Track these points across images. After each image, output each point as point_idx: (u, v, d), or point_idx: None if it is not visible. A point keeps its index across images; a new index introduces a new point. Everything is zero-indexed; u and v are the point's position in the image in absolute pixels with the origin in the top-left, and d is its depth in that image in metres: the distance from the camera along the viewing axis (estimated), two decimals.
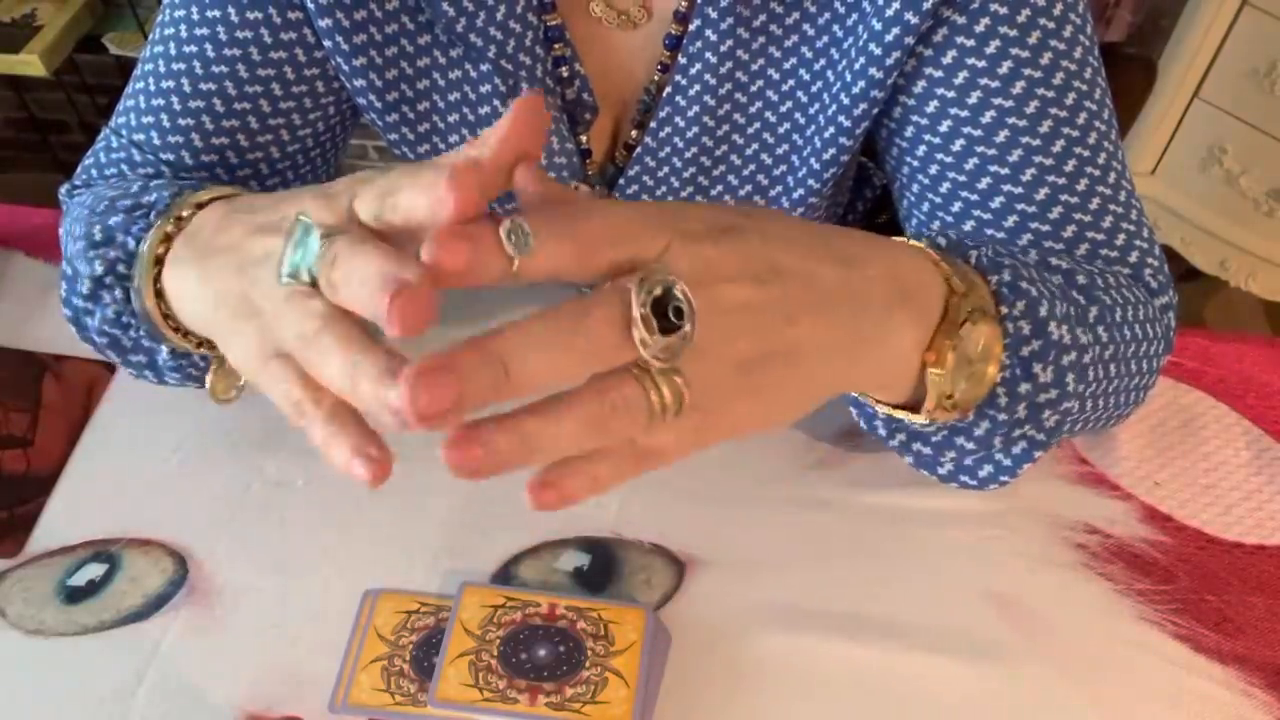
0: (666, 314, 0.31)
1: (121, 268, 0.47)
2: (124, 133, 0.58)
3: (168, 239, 0.44)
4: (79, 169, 0.61)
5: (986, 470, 0.50)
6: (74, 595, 0.55)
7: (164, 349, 0.49)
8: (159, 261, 0.44)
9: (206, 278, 0.40)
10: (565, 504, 0.32)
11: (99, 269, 0.47)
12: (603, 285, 0.32)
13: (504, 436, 0.30)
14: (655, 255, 0.32)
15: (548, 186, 0.34)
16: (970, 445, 0.46)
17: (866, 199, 0.85)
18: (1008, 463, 0.49)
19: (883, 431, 0.48)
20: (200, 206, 0.45)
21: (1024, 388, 0.43)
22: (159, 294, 0.45)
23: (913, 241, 0.43)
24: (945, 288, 0.40)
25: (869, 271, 0.37)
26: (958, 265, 0.42)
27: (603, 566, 0.56)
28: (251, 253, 0.38)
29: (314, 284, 0.34)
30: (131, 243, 0.47)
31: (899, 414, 0.44)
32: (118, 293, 0.47)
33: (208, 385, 0.48)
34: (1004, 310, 0.42)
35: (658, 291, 0.30)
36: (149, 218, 0.47)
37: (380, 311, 0.29)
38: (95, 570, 0.56)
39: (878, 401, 0.45)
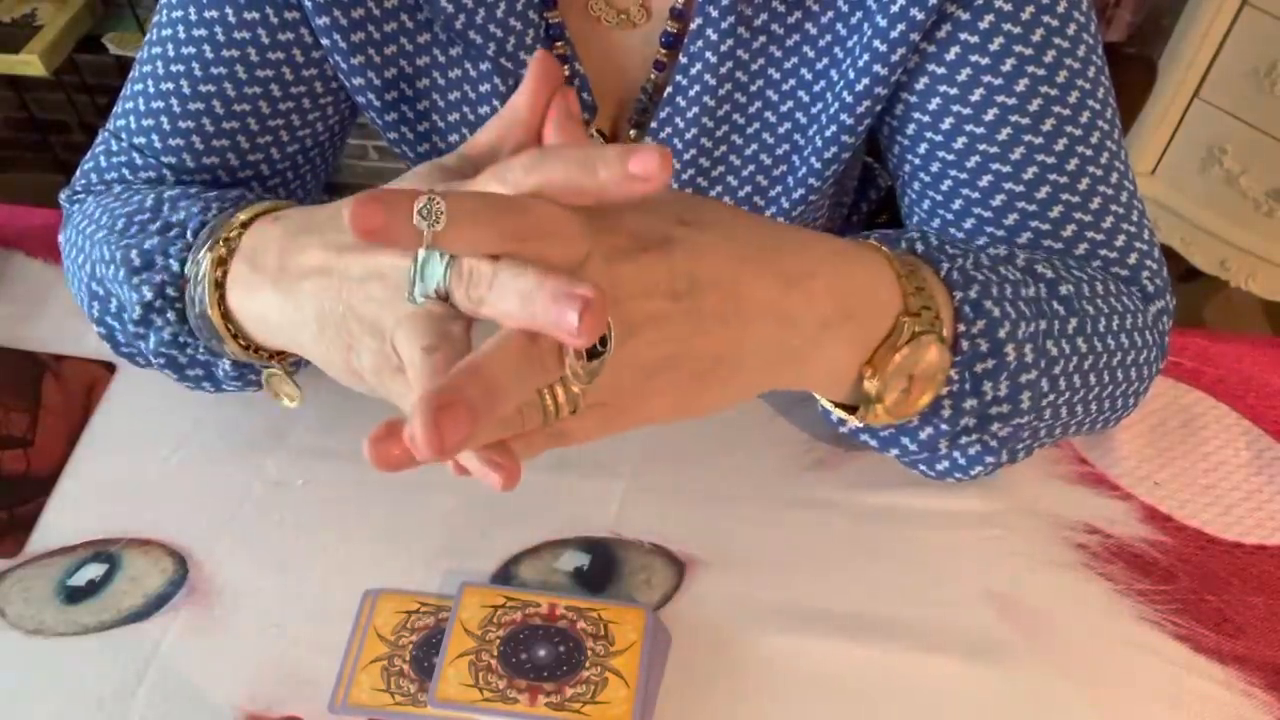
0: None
1: (170, 290, 0.48)
2: (124, 136, 0.58)
3: (222, 262, 0.45)
4: (78, 173, 0.61)
5: (943, 465, 0.52)
6: (74, 595, 0.55)
7: (225, 362, 0.49)
8: (218, 285, 0.45)
9: (299, 302, 0.41)
10: (506, 486, 0.34)
11: (148, 294, 0.47)
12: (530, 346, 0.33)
13: (418, 426, 0.30)
14: (568, 265, 0.33)
15: (571, 134, 0.36)
16: (913, 447, 0.48)
17: (871, 200, 0.85)
18: (962, 461, 0.51)
19: (833, 419, 0.50)
20: (244, 225, 0.46)
21: (969, 403, 0.45)
22: (224, 314, 0.46)
23: (884, 248, 0.44)
24: (900, 305, 0.42)
25: (813, 286, 0.38)
26: (922, 279, 0.43)
27: (603, 566, 0.55)
28: (349, 272, 0.38)
29: (445, 299, 0.35)
30: (175, 265, 0.47)
31: (839, 412, 0.47)
32: (170, 315, 0.48)
33: (274, 393, 0.49)
34: (962, 328, 0.43)
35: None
36: (185, 237, 0.48)
37: (565, 321, 0.30)
38: (95, 570, 0.56)
39: (823, 397, 0.48)
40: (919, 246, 0.45)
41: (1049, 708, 0.51)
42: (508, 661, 0.50)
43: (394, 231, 0.31)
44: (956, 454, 0.51)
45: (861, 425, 0.47)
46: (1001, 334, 0.44)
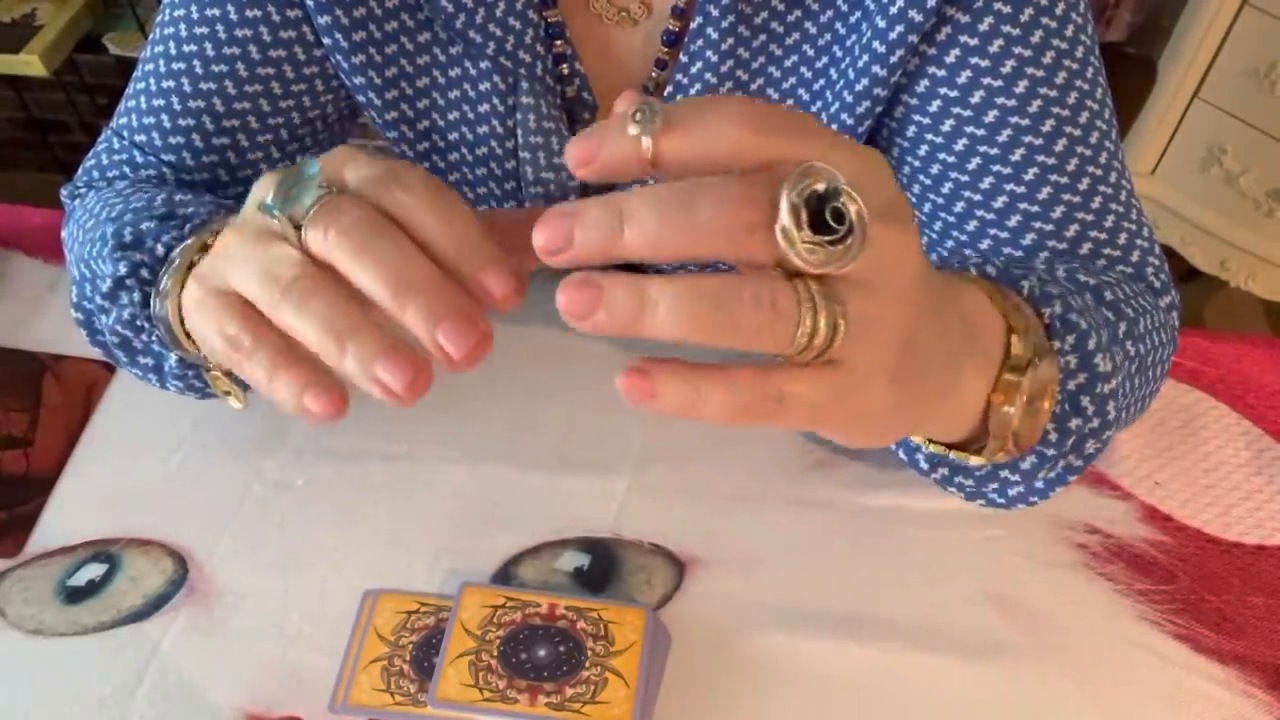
0: (823, 218, 0.26)
1: (145, 272, 0.47)
2: (125, 134, 0.58)
3: (205, 248, 0.44)
4: (80, 170, 0.61)
5: (1016, 490, 0.48)
6: (74, 595, 0.55)
7: (173, 356, 0.49)
8: (190, 268, 0.44)
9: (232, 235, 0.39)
10: (651, 402, 0.28)
11: (123, 269, 0.47)
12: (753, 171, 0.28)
13: (623, 290, 0.27)
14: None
15: None
16: (1015, 478, 0.45)
17: None
18: (1040, 486, 0.47)
19: (924, 466, 0.46)
20: None
21: (1074, 423, 0.42)
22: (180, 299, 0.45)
23: (964, 275, 0.41)
24: (1004, 324, 0.39)
25: (953, 316, 0.34)
26: (1011, 299, 0.40)
27: (603, 566, 0.55)
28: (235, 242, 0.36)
29: (297, 230, 0.32)
30: (160, 249, 0.46)
31: (954, 454, 0.42)
32: (136, 295, 0.47)
33: (220, 392, 0.48)
34: (1056, 345, 0.40)
35: (820, 186, 0.26)
36: (183, 229, 0.47)
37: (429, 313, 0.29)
38: (95, 570, 0.56)
39: (930, 441, 0.43)
40: (990, 270, 0.43)
41: (1049, 708, 0.51)
42: (508, 661, 0.50)
43: (609, 154, 0.27)
44: (1039, 481, 0.46)
45: (975, 465, 0.42)
46: (1090, 345, 0.41)
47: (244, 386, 0.49)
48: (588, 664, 0.50)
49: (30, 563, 0.56)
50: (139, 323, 0.48)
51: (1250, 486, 0.60)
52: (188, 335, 0.45)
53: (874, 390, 0.30)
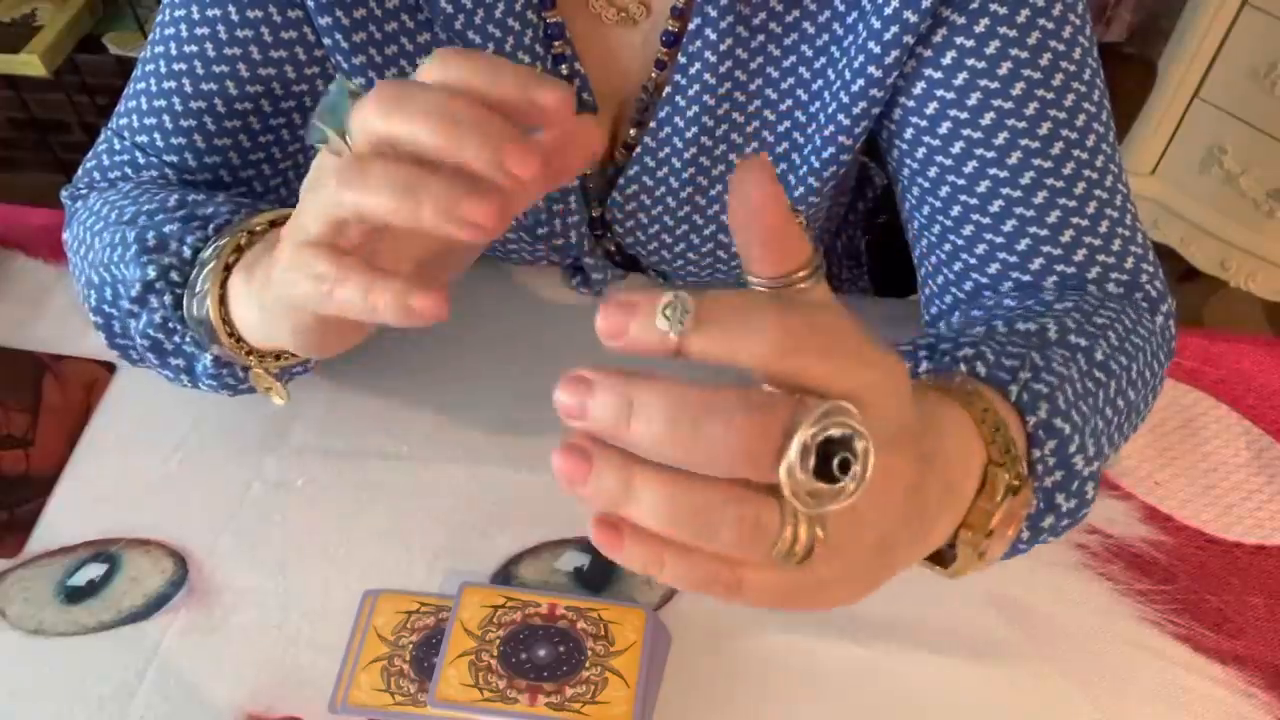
0: (828, 461, 0.27)
1: (175, 275, 0.47)
2: (126, 135, 0.58)
3: (239, 249, 0.44)
4: (80, 171, 0.61)
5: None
6: (74, 595, 0.55)
7: (207, 356, 0.49)
8: (228, 269, 0.44)
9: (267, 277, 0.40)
10: (616, 556, 0.28)
11: (152, 273, 0.47)
12: (773, 391, 0.28)
13: (612, 476, 0.27)
14: (847, 394, 0.27)
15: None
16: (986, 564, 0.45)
17: (867, 199, 0.85)
18: (1023, 548, 0.47)
19: None
20: (274, 224, 0.45)
21: (1047, 520, 0.43)
22: (223, 300, 0.45)
23: (954, 385, 0.40)
24: (984, 458, 0.38)
25: (935, 477, 0.34)
26: (998, 418, 0.39)
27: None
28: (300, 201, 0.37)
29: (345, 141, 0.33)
30: (188, 251, 0.47)
31: (923, 565, 0.42)
32: (167, 298, 0.47)
33: (262, 388, 0.49)
34: (1036, 453, 0.41)
35: (836, 432, 0.26)
36: (206, 229, 0.47)
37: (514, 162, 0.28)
38: (95, 570, 0.56)
39: None
40: (980, 369, 0.42)
41: (1049, 708, 0.51)
42: (508, 661, 0.50)
43: (635, 339, 0.27)
44: (1021, 550, 0.46)
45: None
46: (1071, 449, 0.42)
47: (285, 382, 0.49)
48: (588, 664, 0.50)
49: (30, 563, 0.56)
50: (171, 325, 0.48)
51: (1250, 486, 0.60)
52: (230, 334, 0.45)
53: (830, 590, 0.31)
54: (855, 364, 0.28)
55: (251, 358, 0.47)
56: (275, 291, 0.38)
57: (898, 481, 0.30)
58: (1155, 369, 0.51)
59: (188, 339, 0.49)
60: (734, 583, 0.29)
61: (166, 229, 0.47)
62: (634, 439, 0.26)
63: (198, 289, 0.45)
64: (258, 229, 0.45)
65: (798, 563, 0.28)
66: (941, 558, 0.39)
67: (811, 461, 0.26)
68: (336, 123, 0.33)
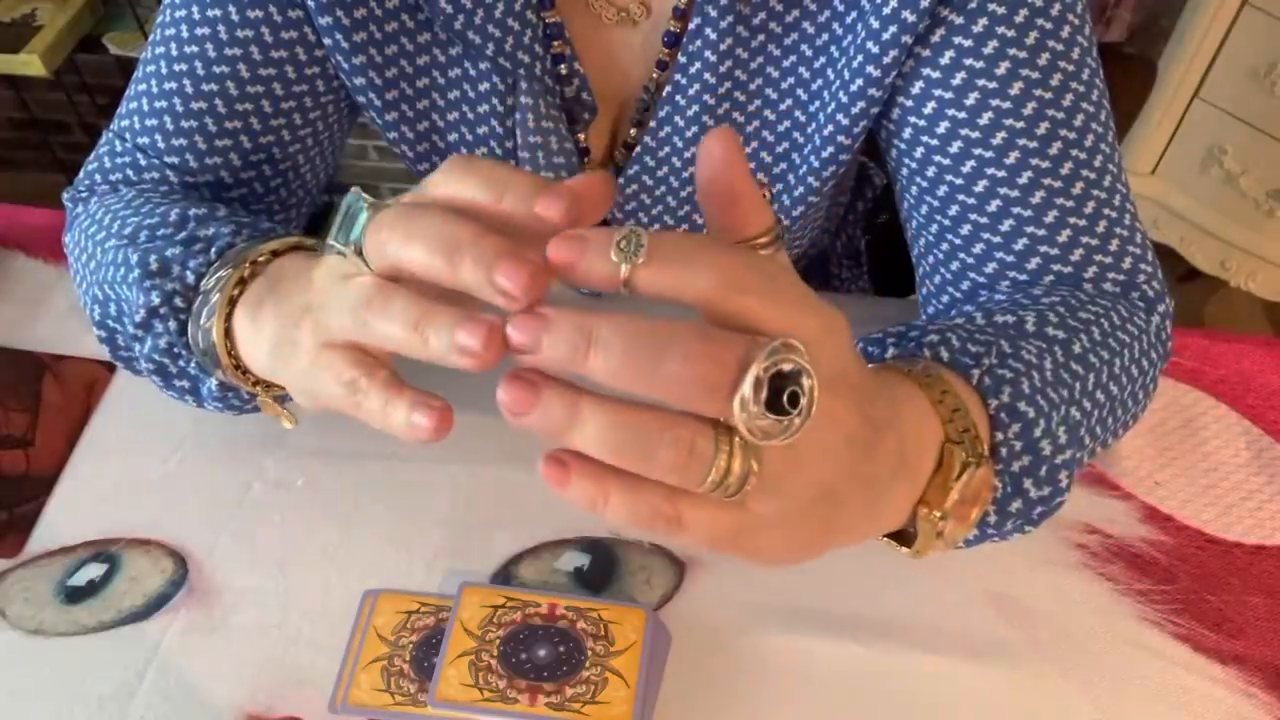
0: (778, 396, 0.28)
1: (179, 300, 0.47)
2: (128, 136, 0.58)
3: (242, 282, 0.44)
4: (82, 173, 0.61)
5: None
6: (74, 595, 0.55)
7: (212, 380, 0.49)
8: (232, 302, 0.44)
9: (277, 320, 0.40)
10: (562, 491, 0.30)
11: (156, 300, 0.47)
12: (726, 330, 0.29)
13: (559, 404, 0.28)
14: (788, 335, 0.29)
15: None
16: (960, 545, 0.46)
17: (867, 198, 0.85)
18: (994, 533, 0.47)
19: None
20: (276, 254, 0.45)
21: (1015, 505, 0.43)
22: (227, 332, 0.45)
23: (912, 372, 0.41)
24: (941, 435, 0.39)
25: (887, 445, 0.35)
26: (956, 399, 0.40)
27: (603, 566, 0.55)
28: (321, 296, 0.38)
29: (361, 257, 0.33)
30: (190, 276, 0.46)
31: (885, 542, 0.43)
32: (172, 324, 0.47)
33: (272, 413, 0.49)
34: (999, 436, 0.41)
35: (786, 367, 0.28)
36: (209, 253, 0.47)
37: (498, 273, 0.29)
38: (95, 570, 0.56)
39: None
40: (943, 354, 0.43)
41: (1049, 708, 0.51)
42: (508, 661, 0.50)
43: (587, 263, 0.29)
44: (995, 537, 0.47)
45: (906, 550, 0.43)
46: (1036, 432, 0.42)
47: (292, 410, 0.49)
48: (588, 664, 0.50)
49: (30, 563, 0.56)
50: (176, 350, 0.48)
51: (1250, 486, 0.60)
52: (235, 365, 0.45)
53: (770, 535, 0.32)
54: (797, 309, 0.29)
55: (258, 387, 0.47)
56: (299, 384, 0.38)
57: (838, 428, 0.31)
58: (1144, 366, 0.51)
59: (192, 364, 0.48)
60: (674, 516, 0.30)
61: (169, 253, 0.47)
62: (591, 370, 0.28)
63: (202, 320, 0.45)
64: (260, 259, 0.45)
65: (731, 494, 0.29)
66: (904, 537, 0.40)
67: (764, 394, 0.27)
68: (350, 239, 0.34)
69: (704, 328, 0.28)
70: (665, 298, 0.29)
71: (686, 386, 0.28)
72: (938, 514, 0.38)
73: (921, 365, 0.42)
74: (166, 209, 0.51)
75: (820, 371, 0.28)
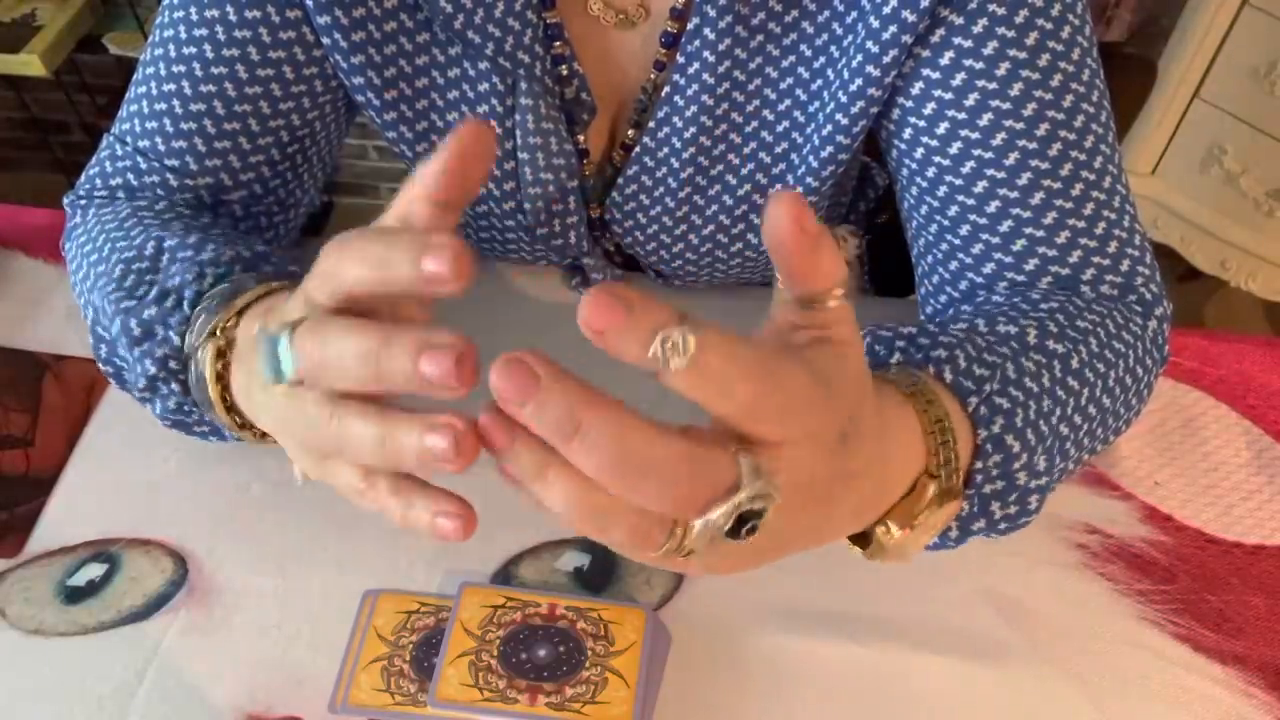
0: (741, 522, 0.30)
1: (173, 363, 0.46)
2: (128, 140, 0.58)
3: (222, 354, 0.44)
4: (83, 178, 0.60)
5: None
6: (74, 595, 0.55)
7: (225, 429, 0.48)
8: (220, 378, 0.44)
9: (267, 421, 0.40)
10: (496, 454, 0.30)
11: (152, 368, 0.46)
12: (714, 452, 0.29)
13: (529, 458, 0.29)
14: (782, 441, 0.30)
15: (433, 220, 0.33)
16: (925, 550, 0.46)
17: (869, 199, 0.85)
18: (951, 545, 0.47)
19: None
20: (240, 314, 0.44)
21: (978, 524, 0.43)
22: (228, 405, 0.44)
23: (917, 385, 0.41)
24: (923, 466, 0.39)
25: (860, 485, 0.35)
26: (948, 429, 0.39)
27: (603, 566, 0.56)
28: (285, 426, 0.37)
29: (300, 381, 0.33)
30: (175, 338, 0.46)
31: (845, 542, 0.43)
32: (174, 385, 0.47)
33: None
34: (979, 464, 0.41)
35: (759, 505, 0.29)
36: (182, 308, 0.46)
37: (429, 371, 0.28)
38: (95, 570, 0.56)
39: None
40: (947, 374, 0.42)
41: (1049, 708, 0.51)
42: (508, 661, 0.50)
43: (617, 345, 0.27)
44: (953, 545, 0.47)
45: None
46: (1016, 465, 0.42)
47: None
48: (588, 664, 0.50)
49: (30, 563, 0.56)
50: (186, 408, 0.47)
51: (1250, 486, 0.60)
52: (239, 424, 0.45)
53: (712, 569, 0.34)
54: (801, 419, 0.30)
55: (256, 436, 0.46)
56: (304, 472, 0.39)
57: (796, 517, 0.32)
58: (1138, 374, 0.51)
59: (206, 416, 0.47)
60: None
61: (146, 314, 0.46)
62: (571, 452, 0.28)
63: (197, 394, 0.45)
64: (229, 325, 0.43)
65: (681, 555, 0.31)
66: (862, 537, 0.40)
67: (728, 526, 0.29)
68: (284, 365, 0.33)
69: (693, 449, 0.28)
70: (687, 397, 0.29)
71: (664, 502, 0.29)
72: (897, 532, 0.38)
73: (923, 383, 0.41)
74: (144, 238, 0.50)
75: (792, 475, 0.30)
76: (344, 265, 0.32)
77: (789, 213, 0.30)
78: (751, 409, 0.29)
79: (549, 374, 0.27)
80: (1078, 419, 0.47)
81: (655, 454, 0.28)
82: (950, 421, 0.40)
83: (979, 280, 0.55)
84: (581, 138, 0.60)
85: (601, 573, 0.55)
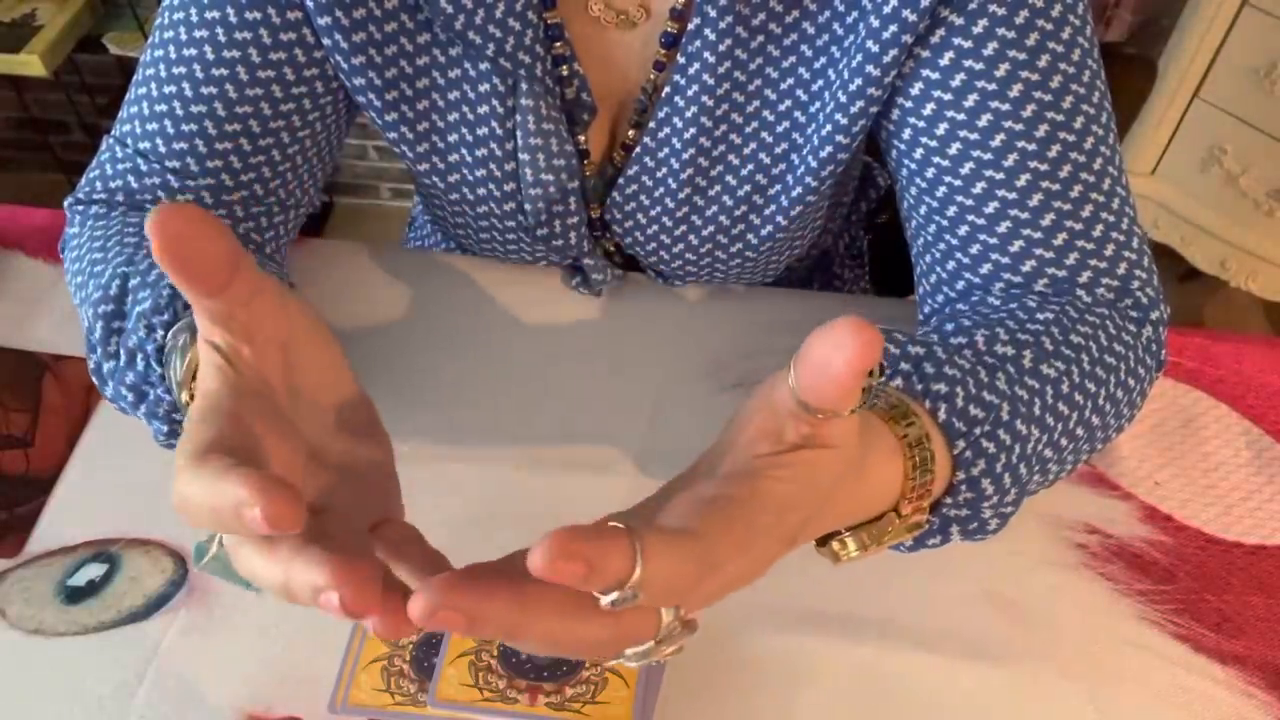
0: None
1: (176, 415, 0.46)
2: (129, 142, 0.58)
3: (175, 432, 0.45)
4: (83, 180, 0.60)
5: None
6: (74, 595, 0.55)
7: None
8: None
9: None
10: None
11: (164, 427, 0.47)
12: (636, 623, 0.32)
13: (504, 609, 0.30)
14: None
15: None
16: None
17: (870, 199, 0.85)
18: (902, 551, 0.47)
19: None
20: (182, 384, 0.43)
21: (933, 540, 0.44)
22: None
23: (910, 432, 0.40)
24: (893, 503, 0.40)
25: (809, 531, 0.37)
26: (929, 469, 0.40)
27: None
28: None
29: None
30: (165, 396, 0.46)
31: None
32: (165, 427, 0.47)
33: None
34: (949, 500, 0.42)
35: (667, 651, 0.34)
36: (152, 366, 0.46)
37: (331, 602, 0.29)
38: (95, 570, 0.56)
39: None
40: (941, 413, 0.42)
41: (1049, 708, 0.51)
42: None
43: (575, 582, 0.28)
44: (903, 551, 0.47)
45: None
46: (984, 504, 0.43)
47: None
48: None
49: (30, 563, 0.56)
50: (175, 416, 0.47)
51: (1250, 486, 0.60)
52: None
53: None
54: (745, 579, 0.35)
55: None
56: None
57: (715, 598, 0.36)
58: (1130, 385, 0.51)
59: None
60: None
61: (130, 379, 0.46)
62: (511, 644, 0.31)
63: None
64: (184, 402, 0.42)
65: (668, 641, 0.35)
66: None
67: (655, 645, 0.33)
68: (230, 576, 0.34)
69: (617, 631, 0.31)
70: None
71: (595, 658, 0.33)
72: (855, 552, 0.40)
73: (917, 425, 0.40)
74: (110, 277, 0.49)
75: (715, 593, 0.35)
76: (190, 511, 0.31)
77: (859, 350, 0.29)
78: (683, 604, 0.33)
79: (479, 604, 0.30)
80: (1063, 441, 0.47)
81: (585, 642, 0.31)
82: (935, 465, 0.40)
83: (976, 280, 0.55)
84: (582, 138, 0.60)
85: None
